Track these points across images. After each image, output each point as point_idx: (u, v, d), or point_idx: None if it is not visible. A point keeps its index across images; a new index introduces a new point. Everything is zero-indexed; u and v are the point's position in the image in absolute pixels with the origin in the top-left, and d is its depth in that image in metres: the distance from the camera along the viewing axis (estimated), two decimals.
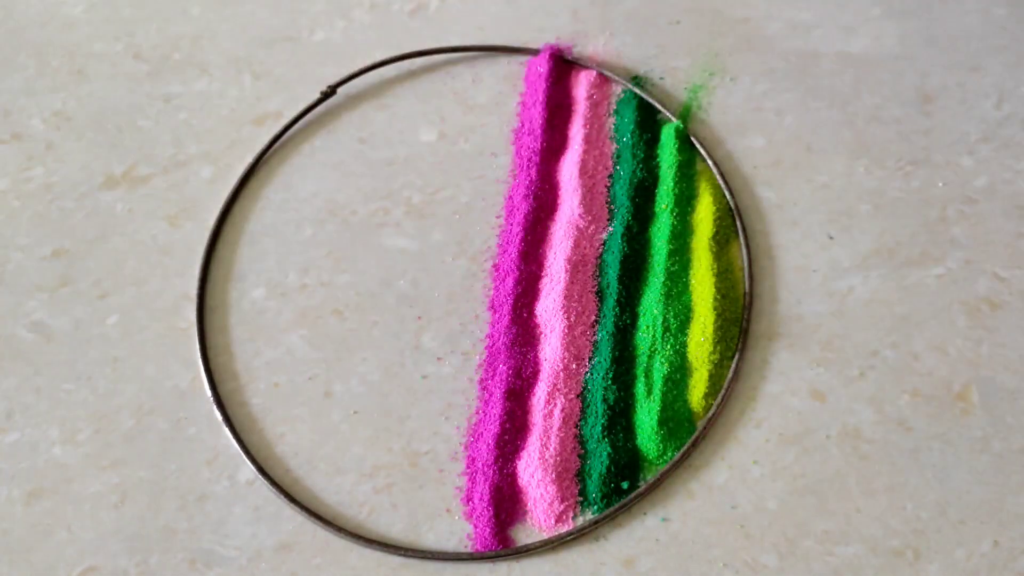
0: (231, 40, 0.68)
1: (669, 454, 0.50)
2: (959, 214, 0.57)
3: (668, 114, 0.62)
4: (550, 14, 0.68)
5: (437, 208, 0.59)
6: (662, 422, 0.50)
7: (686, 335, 0.53)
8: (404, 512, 0.49)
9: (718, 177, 0.59)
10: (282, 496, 0.49)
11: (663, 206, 0.58)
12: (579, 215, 0.58)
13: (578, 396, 0.52)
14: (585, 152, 0.60)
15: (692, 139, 0.61)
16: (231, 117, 0.64)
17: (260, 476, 0.50)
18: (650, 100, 0.62)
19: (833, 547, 0.47)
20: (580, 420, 0.51)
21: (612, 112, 0.63)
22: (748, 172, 0.60)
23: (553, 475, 0.49)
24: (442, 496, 0.50)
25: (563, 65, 0.65)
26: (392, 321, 0.55)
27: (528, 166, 0.60)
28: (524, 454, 0.50)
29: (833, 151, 0.60)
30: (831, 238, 0.57)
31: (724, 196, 0.58)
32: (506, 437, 0.51)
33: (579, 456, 0.50)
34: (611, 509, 0.48)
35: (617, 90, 0.64)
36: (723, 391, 0.51)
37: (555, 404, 0.51)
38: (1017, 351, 0.52)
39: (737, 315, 0.54)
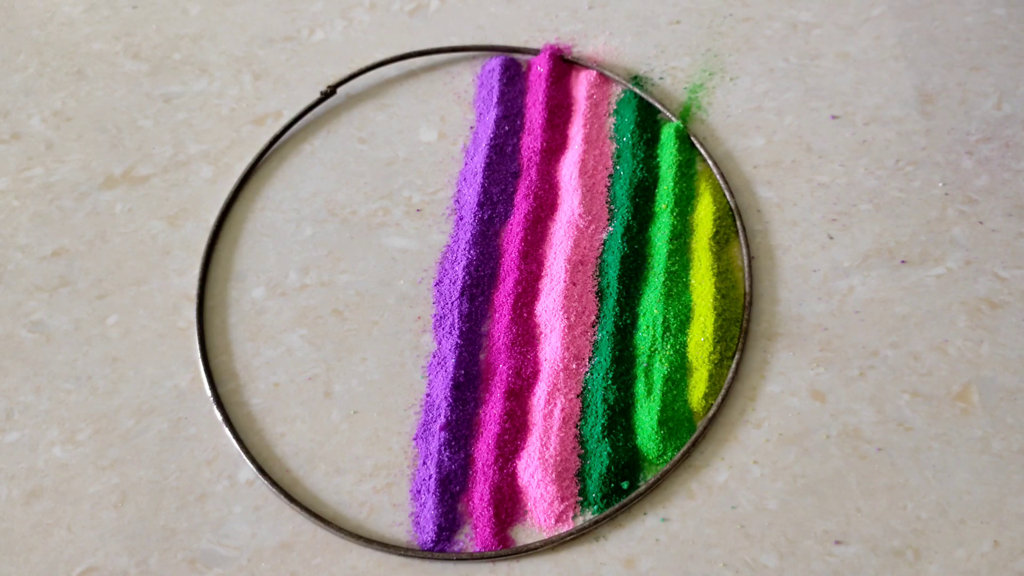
0: (231, 40, 0.68)
1: (669, 454, 0.50)
2: (959, 214, 0.57)
3: (668, 114, 0.62)
4: (550, 14, 0.68)
5: (437, 208, 0.59)
6: (662, 422, 0.50)
7: (686, 335, 0.53)
8: (404, 512, 0.49)
9: (718, 177, 0.59)
10: (282, 496, 0.49)
11: (663, 206, 0.58)
12: (579, 215, 0.58)
13: (578, 396, 0.52)
14: (585, 152, 0.60)
15: (692, 139, 0.61)
16: (231, 117, 0.64)
17: (260, 476, 0.50)
18: (650, 100, 0.62)
19: (833, 547, 0.47)
20: (580, 420, 0.51)
21: (612, 112, 0.63)
22: (748, 172, 0.60)
23: (553, 475, 0.49)
24: None
25: (563, 65, 0.65)
26: (392, 321, 0.55)
27: (528, 166, 0.60)
28: (524, 454, 0.50)
29: (833, 151, 0.60)
30: (831, 238, 0.57)
31: (724, 196, 0.58)
32: (506, 437, 0.51)
33: (579, 456, 0.50)
34: (611, 509, 0.48)
35: (617, 90, 0.64)
36: (723, 391, 0.51)
37: (555, 404, 0.51)
38: (1017, 351, 0.52)
39: (737, 315, 0.54)
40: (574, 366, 0.53)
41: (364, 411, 0.52)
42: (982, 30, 0.65)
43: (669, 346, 0.53)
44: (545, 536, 0.48)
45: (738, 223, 0.57)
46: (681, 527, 0.48)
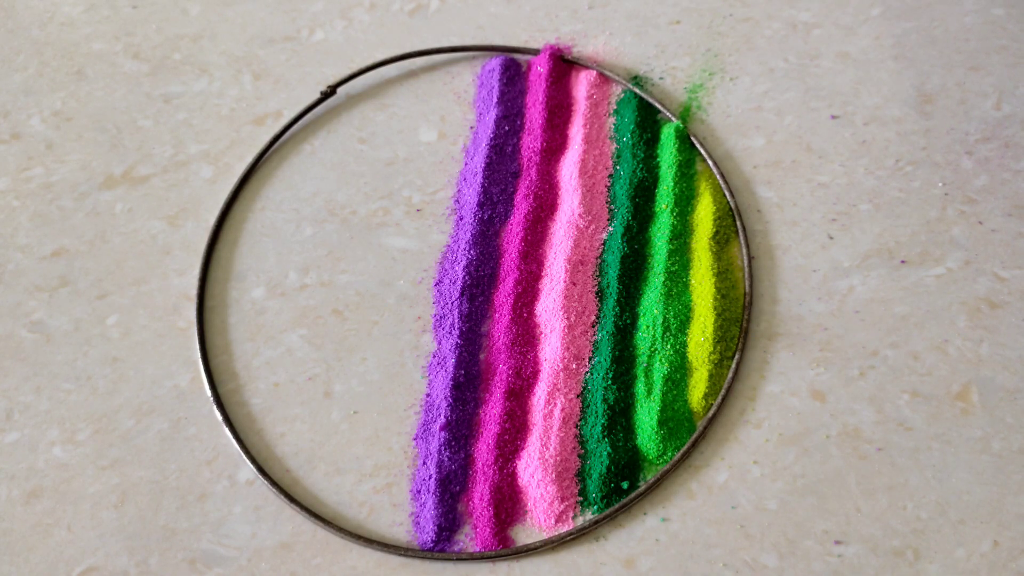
0: (231, 40, 0.68)
1: (669, 454, 0.50)
2: (959, 214, 0.57)
3: (668, 114, 0.62)
4: (550, 14, 0.68)
5: (437, 208, 0.59)
6: (662, 422, 0.50)
7: (686, 335, 0.53)
8: (404, 512, 0.49)
9: (718, 177, 0.59)
10: (282, 496, 0.49)
11: (663, 206, 0.58)
12: (579, 215, 0.58)
13: (578, 396, 0.52)
14: (585, 152, 0.60)
15: (692, 139, 0.61)
16: (231, 117, 0.64)
17: (260, 476, 0.50)
18: (650, 100, 0.62)
19: (833, 547, 0.47)
20: (580, 420, 0.51)
21: (612, 112, 0.63)
22: (748, 172, 0.60)
23: (553, 475, 0.49)
24: None
25: (563, 65, 0.65)
26: (392, 321, 0.55)
27: (528, 166, 0.60)
28: (524, 454, 0.50)
29: (833, 151, 0.60)
30: (831, 238, 0.57)
31: (724, 196, 0.58)
32: (506, 437, 0.51)
33: (579, 456, 0.50)
34: (611, 509, 0.48)
35: (617, 90, 0.64)
36: (723, 391, 0.51)
37: (555, 404, 0.51)
38: (1017, 351, 0.52)
39: (737, 315, 0.54)
40: (574, 366, 0.53)
41: (364, 411, 0.52)
42: (981, 30, 0.65)
43: (669, 346, 0.53)
44: (545, 536, 0.48)
45: (738, 223, 0.57)
46: (681, 527, 0.48)
